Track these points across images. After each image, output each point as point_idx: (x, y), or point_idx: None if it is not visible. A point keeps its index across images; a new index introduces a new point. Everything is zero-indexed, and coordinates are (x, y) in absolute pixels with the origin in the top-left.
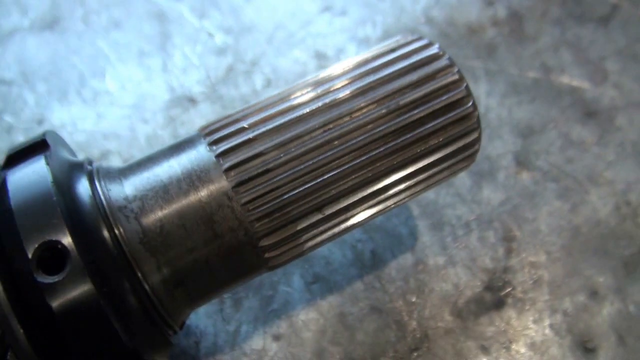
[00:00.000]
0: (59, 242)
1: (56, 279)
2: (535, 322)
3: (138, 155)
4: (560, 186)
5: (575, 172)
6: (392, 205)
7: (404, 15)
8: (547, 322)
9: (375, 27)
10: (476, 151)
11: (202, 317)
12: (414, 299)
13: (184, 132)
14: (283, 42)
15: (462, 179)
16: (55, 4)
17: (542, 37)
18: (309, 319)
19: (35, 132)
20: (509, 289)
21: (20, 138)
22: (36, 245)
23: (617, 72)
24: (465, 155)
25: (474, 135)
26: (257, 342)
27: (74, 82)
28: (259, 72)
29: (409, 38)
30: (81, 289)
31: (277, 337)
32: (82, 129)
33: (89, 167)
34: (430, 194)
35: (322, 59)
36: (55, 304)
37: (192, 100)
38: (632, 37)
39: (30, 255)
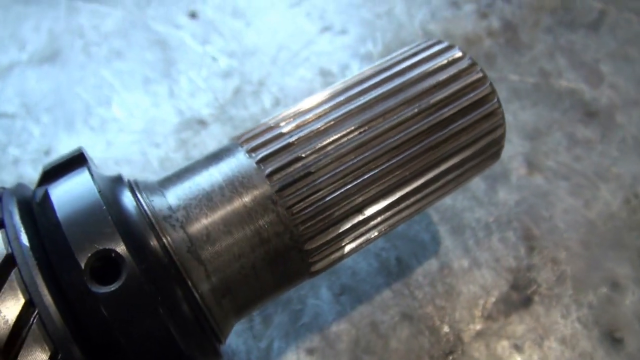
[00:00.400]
0: (113, 251)
1: (112, 288)
2: (563, 317)
3: (153, 178)
4: (571, 184)
5: (584, 170)
6: (427, 205)
7: (402, 30)
8: (574, 316)
9: (376, 43)
10: (502, 147)
11: (232, 336)
12: (443, 303)
13: (197, 153)
14: (287, 62)
15: (477, 183)
16: (53, 38)
17: (537, 44)
18: (340, 330)
19: (44, 163)
20: (535, 287)
21: (28, 169)
22: (89, 255)
23: (611, 73)
24: (492, 152)
25: (500, 131)
26: (290, 357)
27: (80, 112)
28: (266, 92)
29: (429, 42)
30: (139, 297)
31: (310, 351)
32: (93, 156)
33: (126, 181)
34: (447, 200)
35: (327, 75)
36: (111, 313)
37: (202, 123)
38: (621, 39)
39: (83, 266)
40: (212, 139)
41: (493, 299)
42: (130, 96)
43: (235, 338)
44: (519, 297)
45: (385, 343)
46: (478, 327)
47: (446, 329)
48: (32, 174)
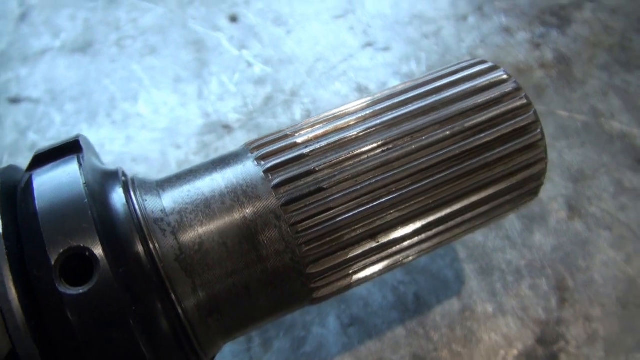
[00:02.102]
0: (87, 249)
1: (80, 291)
2: None
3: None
4: (614, 234)
5: (628, 221)
6: (450, 239)
7: (449, 53)
8: None
9: (420, 64)
10: (541, 184)
11: (227, 356)
12: (460, 349)
13: None
14: (324, 74)
15: (512, 222)
16: (88, 28)
17: (590, 81)
18: None
19: None
20: (563, 343)
21: None
22: (61, 251)
23: None
24: (530, 188)
25: (541, 166)
26: None
27: (104, 104)
28: (298, 103)
29: (472, 61)
30: (108, 304)
31: None
32: (110, 150)
33: (123, 177)
34: (477, 236)
35: (364, 92)
36: (76, 318)
37: (227, 127)
38: None
39: (53, 262)
40: (235, 145)
41: (515, 352)
42: (158, 93)
43: (231, 358)
44: (545, 352)
45: None
46: None
47: None
48: None
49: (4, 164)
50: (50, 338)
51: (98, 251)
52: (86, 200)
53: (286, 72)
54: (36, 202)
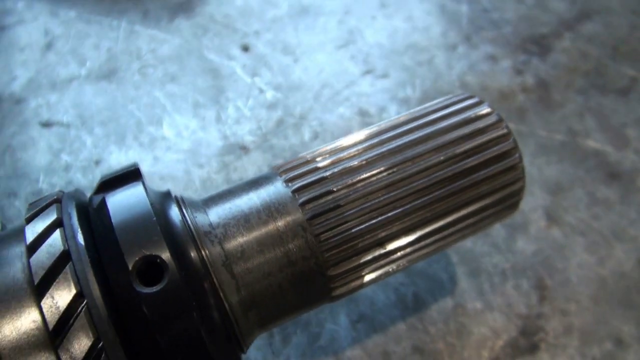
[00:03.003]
0: (158, 257)
1: (154, 290)
2: None
3: (194, 195)
4: (587, 240)
5: (601, 228)
6: (444, 246)
7: (440, 79)
8: None
9: (415, 89)
10: (520, 199)
11: (252, 349)
12: (454, 341)
13: (237, 177)
14: (329, 99)
15: (497, 230)
16: (112, 57)
17: (567, 104)
18: (354, 355)
19: (93, 172)
20: (542, 335)
21: (79, 176)
22: (136, 258)
23: (637, 139)
24: (511, 203)
25: (519, 184)
26: None
27: (132, 128)
28: (307, 125)
29: (462, 96)
30: (177, 300)
31: None
32: None
33: (174, 197)
34: (467, 243)
35: (365, 115)
36: (151, 312)
37: (244, 148)
38: None
39: (130, 267)
40: (252, 165)
41: (501, 342)
42: (180, 118)
43: (255, 351)
44: (526, 343)
45: None
46: None
47: None
48: (81, 180)
49: (41, 184)
50: (128, 329)
51: (167, 258)
52: (154, 218)
53: (295, 97)
54: (112, 219)
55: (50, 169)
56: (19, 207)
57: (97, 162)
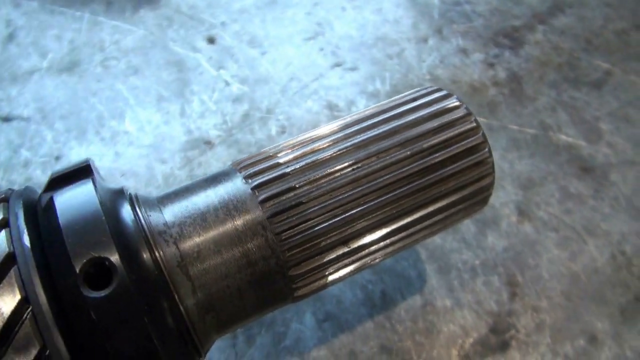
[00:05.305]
0: (107, 259)
1: (102, 294)
2: None
3: (155, 192)
4: (559, 236)
5: (573, 223)
6: (411, 243)
7: (411, 72)
8: None
9: (384, 83)
10: (489, 194)
11: (214, 351)
12: (422, 340)
13: (201, 172)
14: (297, 92)
15: (467, 226)
16: (74, 49)
17: (539, 97)
18: (320, 356)
19: (53, 168)
20: (513, 332)
21: (38, 172)
22: (84, 261)
23: (610, 132)
24: (480, 198)
25: (489, 180)
26: None
27: (93, 122)
28: (274, 120)
29: (429, 89)
30: (126, 305)
31: None
32: (100, 166)
33: (128, 194)
34: (437, 239)
35: (334, 109)
36: (99, 317)
37: (209, 143)
38: (623, 100)
39: (77, 270)
40: (216, 160)
41: (471, 340)
42: (143, 112)
43: (218, 353)
44: (497, 340)
45: None
46: None
47: None
48: (41, 177)
49: (0, 180)
50: (75, 335)
51: (116, 260)
52: (103, 217)
53: (261, 91)
54: (59, 220)
55: (9, 165)
56: None
57: (58, 158)
